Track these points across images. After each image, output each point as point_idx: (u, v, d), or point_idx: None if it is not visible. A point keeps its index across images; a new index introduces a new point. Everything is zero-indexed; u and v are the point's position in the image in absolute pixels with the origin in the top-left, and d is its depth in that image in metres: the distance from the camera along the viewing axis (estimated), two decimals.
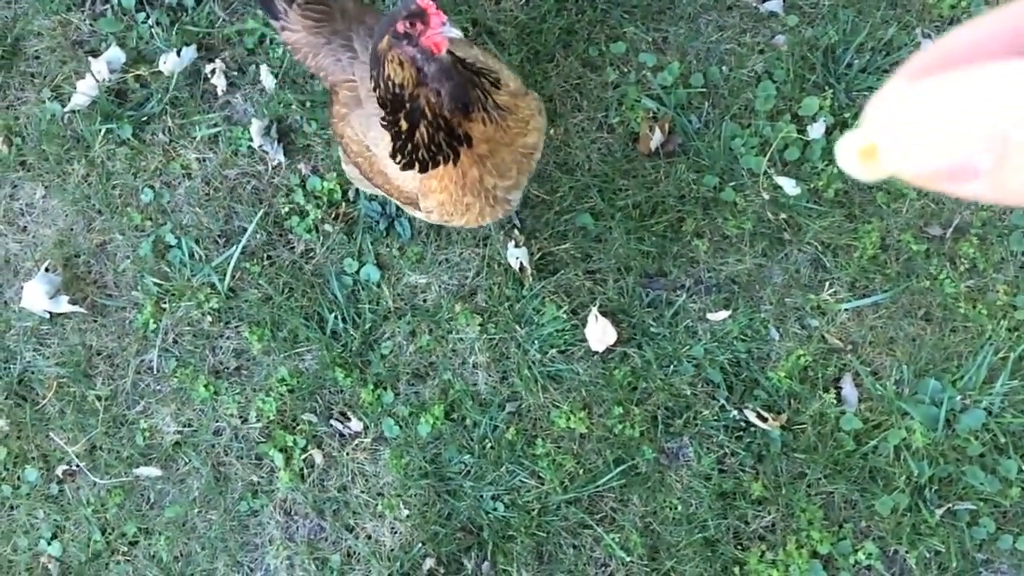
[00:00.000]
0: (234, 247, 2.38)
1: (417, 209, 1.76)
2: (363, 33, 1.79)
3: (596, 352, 2.27)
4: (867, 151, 0.29)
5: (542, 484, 2.25)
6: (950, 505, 2.15)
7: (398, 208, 2.27)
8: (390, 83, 1.45)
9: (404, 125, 1.50)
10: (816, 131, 2.26)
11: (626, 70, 2.37)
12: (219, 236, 2.41)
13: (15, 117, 2.52)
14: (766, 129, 2.28)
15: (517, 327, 2.28)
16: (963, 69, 0.29)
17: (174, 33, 2.43)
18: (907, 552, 2.14)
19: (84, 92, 2.45)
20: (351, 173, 2.04)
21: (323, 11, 1.80)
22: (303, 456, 2.32)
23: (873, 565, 2.15)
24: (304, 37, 1.81)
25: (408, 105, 1.47)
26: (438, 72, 1.43)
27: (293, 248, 2.39)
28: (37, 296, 2.39)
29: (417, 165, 1.55)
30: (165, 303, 2.40)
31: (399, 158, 1.55)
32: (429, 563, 2.24)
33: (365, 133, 1.75)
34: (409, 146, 1.52)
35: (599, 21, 2.37)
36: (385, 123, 1.53)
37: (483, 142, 1.56)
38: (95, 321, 2.43)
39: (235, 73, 2.46)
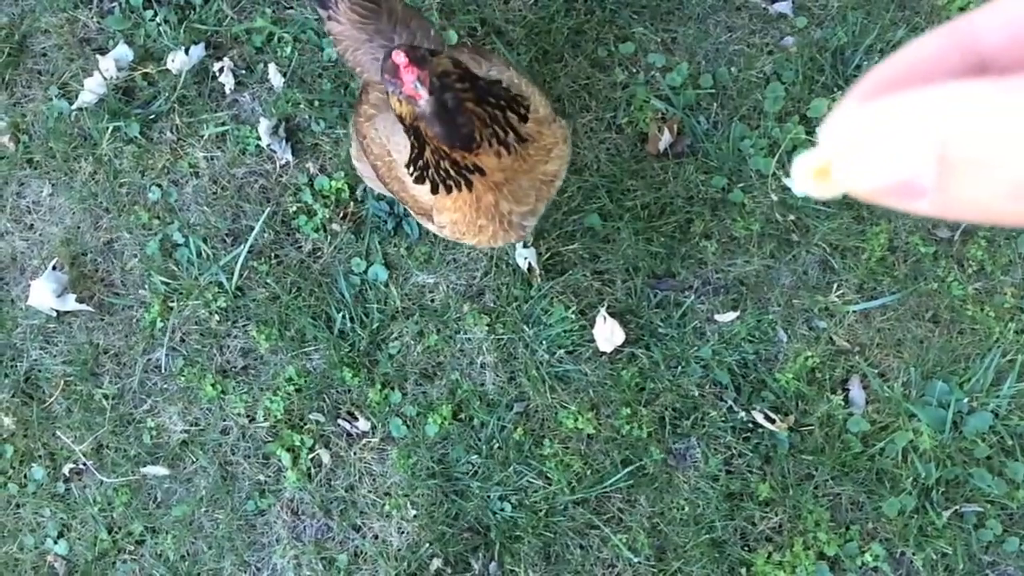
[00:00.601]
0: (242, 246, 2.37)
1: (430, 221, 1.75)
2: (406, 36, 1.78)
3: (604, 353, 2.27)
4: (821, 170, 0.30)
5: (549, 484, 2.25)
6: (957, 507, 2.15)
7: (406, 208, 2.27)
8: (393, 110, 1.45)
9: (414, 142, 1.49)
10: None
11: (635, 70, 2.37)
12: (227, 235, 2.41)
13: (22, 115, 2.52)
14: (775, 130, 2.28)
15: (525, 327, 2.28)
16: (904, 92, 0.30)
17: (182, 31, 2.43)
18: (914, 554, 2.15)
19: (91, 90, 2.45)
20: (365, 172, 2.03)
21: (371, 8, 1.78)
22: (310, 456, 2.32)
23: (880, 567, 2.15)
24: (348, 30, 1.80)
25: (412, 132, 1.46)
26: (427, 115, 1.39)
27: (301, 247, 2.39)
28: (44, 294, 2.38)
29: (428, 184, 1.53)
30: (172, 302, 2.40)
31: (411, 170, 1.55)
32: (436, 563, 2.24)
33: (389, 137, 1.75)
34: (420, 162, 1.51)
35: (608, 21, 2.37)
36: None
37: (499, 171, 1.53)
38: (102, 319, 2.43)
39: (243, 72, 2.45)
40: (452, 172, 1.49)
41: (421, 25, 1.83)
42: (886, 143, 0.29)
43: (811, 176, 0.31)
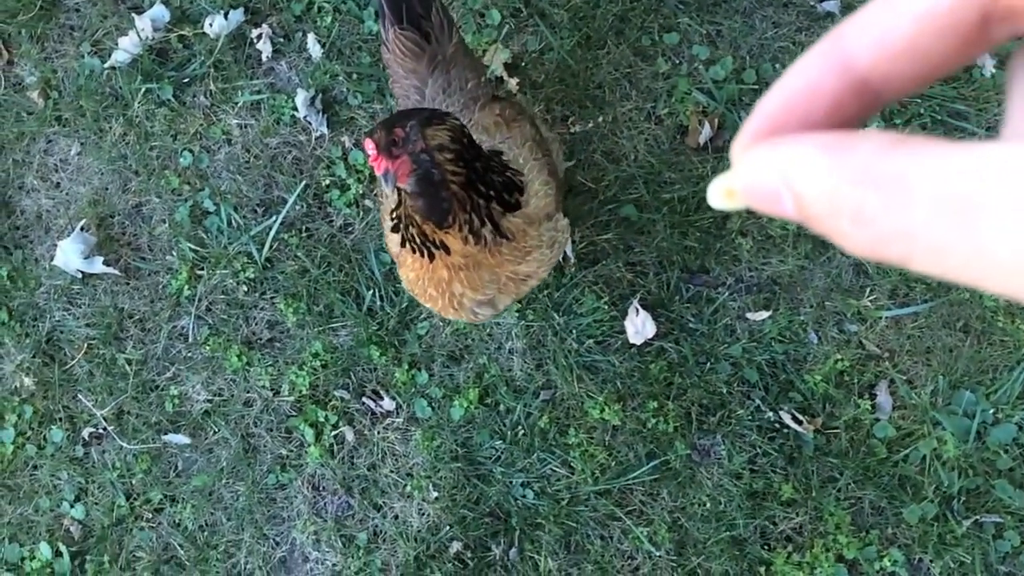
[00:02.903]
0: (273, 217, 2.35)
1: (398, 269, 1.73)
2: (439, 83, 1.73)
3: (633, 345, 2.26)
4: (728, 192, 0.35)
5: (573, 474, 2.25)
6: (977, 517, 2.16)
7: None
8: None
9: (397, 197, 1.45)
10: None
11: (678, 61, 2.34)
12: (258, 205, 2.38)
13: (53, 70, 2.47)
14: None
15: (556, 315, 2.27)
16: (763, 146, 0.34)
17: None
18: (932, 561, 2.16)
19: (125, 49, 2.41)
20: None
21: (414, 47, 1.72)
22: (334, 432, 2.31)
23: (898, 572, 2.16)
24: (391, 59, 1.76)
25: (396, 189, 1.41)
26: (412, 188, 1.34)
27: (332, 222, 2.36)
28: (71, 255, 2.35)
29: (399, 234, 1.50)
30: (200, 270, 2.38)
31: (391, 217, 1.51)
32: (456, 546, 2.24)
33: (380, 183, 1.72)
34: (397, 212, 1.47)
35: (654, 10, 2.35)
36: None
37: (460, 255, 1.47)
38: (127, 284, 2.41)
39: (281, 40, 2.42)
40: (417, 239, 1.45)
41: (465, 74, 1.77)
42: (758, 187, 0.33)
43: (721, 195, 0.36)
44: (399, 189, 1.36)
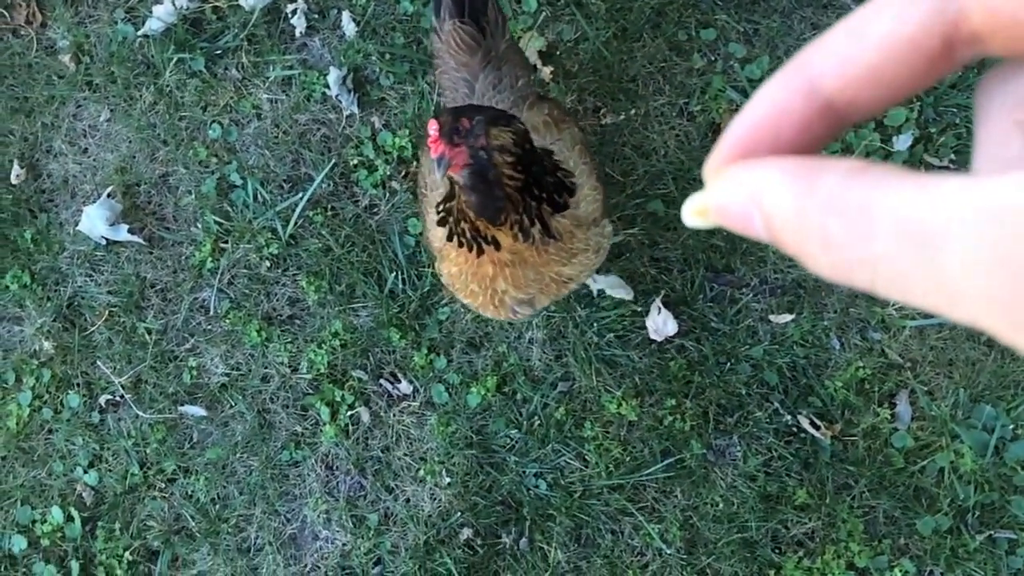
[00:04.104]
0: (300, 194, 2.34)
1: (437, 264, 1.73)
2: (490, 79, 1.72)
3: (654, 341, 2.25)
4: (701, 211, 0.36)
5: (587, 467, 2.25)
6: (991, 532, 2.15)
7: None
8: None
9: (448, 192, 1.44)
10: (902, 143, 2.23)
11: (713, 58, 2.33)
12: (285, 181, 2.38)
13: (85, 35, 2.47)
14: (849, 135, 2.25)
15: (577, 307, 2.26)
16: (735, 168, 0.34)
17: None
18: (943, 574, 2.16)
19: (159, 17, 2.40)
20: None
21: (471, 41, 1.71)
22: (350, 413, 2.31)
23: None
24: (443, 51, 1.75)
25: (449, 181, 1.40)
26: (464, 182, 1.33)
27: (358, 202, 2.36)
28: (96, 222, 2.35)
29: (446, 228, 1.48)
30: (224, 243, 2.37)
31: (439, 209, 1.49)
32: (466, 533, 2.24)
33: (431, 170, 1.71)
34: (446, 205, 1.46)
35: (692, 5, 2.32)
36: None
37: (509, 252, 1.46)
38: (151, 253, 2.41)
39: (316, 16, 2.40)
40: (468, 234, 1.44)
41: (515, 71, 1.76)
42: (730, 207, 0.34)
43: (694, 214, 0.36)
44: (452, 182, 1.35)
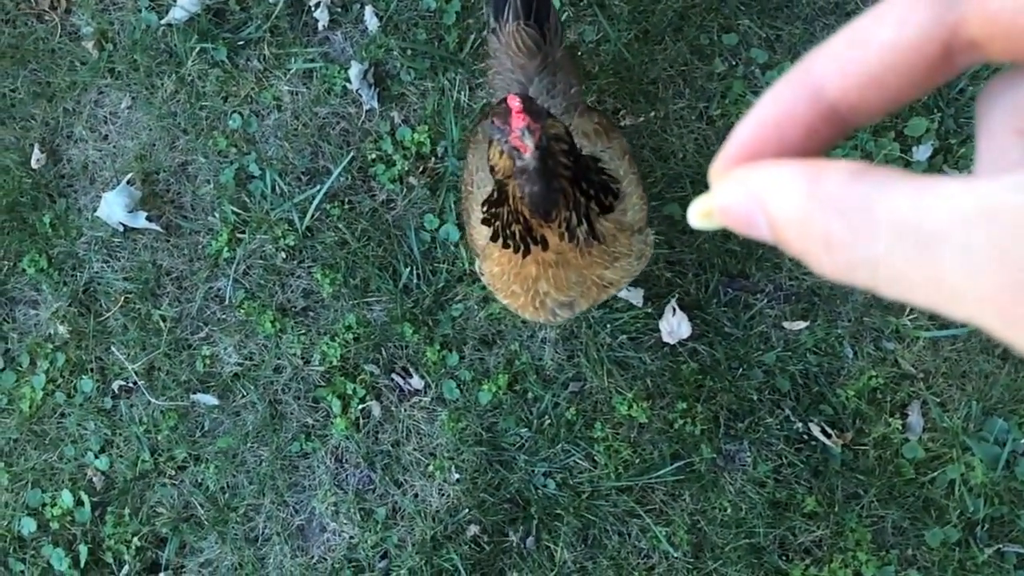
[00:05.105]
0: (317, 187, 2.35)
1: (479, 262, 1.72)
2: (545, 83, 1.74)
3: (667, 344, 2.25)
4: (707, 213, 0.36)
5: (596, 467, 2.25)
6: (1000, 546, 2.15)
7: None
8: (490, 162, 1.38)
9: (495, 194, 1.44)
10: (921, 154, 2.23)
11: (735, 63, 2.32)
12: (303, 173, 2.38)
13: (109, 22, 2.48)
14: (869, 144, 2.25)
15: (591, 309, 2.26)
16: (739, 170, 0.35)
17: None
18: None
19: (183, 7, 2.41)
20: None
21: (532, 45, 1.72)
22: (361, 406, 2.31)
23: None
24: (501, 51, 1.76)
25: (498, 186, 1.40)
26: (527, 172, 1.31)
27: (375, 196, 2.36)
28: (115, 208, 2.36)
29: (492, 229, 1.48)
30: (241, 233, 2.38)
31: (485, 209, 1.49)
32: (473, 529, 2.25)
33: (478, 168, 1.71)
34: (493, 209, 1.46)
35: (714, 9, 2.32)
36: None
37: (554, 251, 1.46)
38: (168, 241, 2.42)
39: (339, 10, 2.41)
40: (518, 235, 1.43)
41: (569, 79, 1.78)
42: (735, 209, 0.34)
43: (700, 215, 0.37)
44: (510, 175, 1.35)
